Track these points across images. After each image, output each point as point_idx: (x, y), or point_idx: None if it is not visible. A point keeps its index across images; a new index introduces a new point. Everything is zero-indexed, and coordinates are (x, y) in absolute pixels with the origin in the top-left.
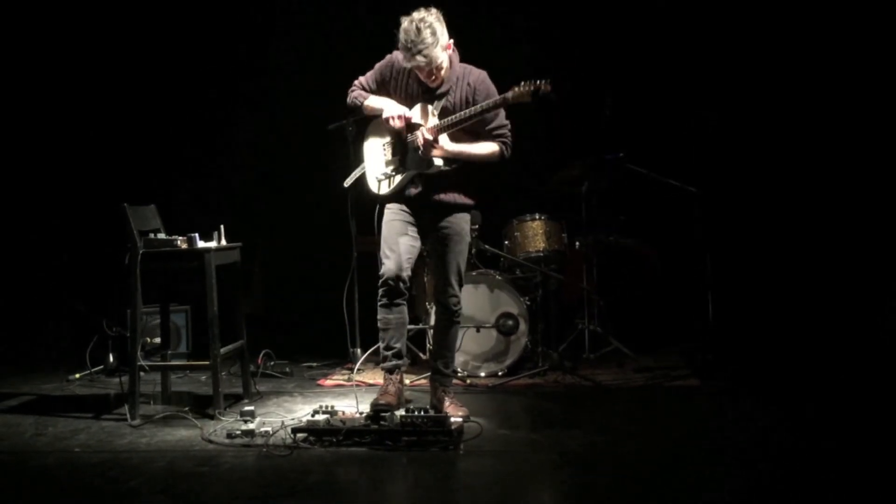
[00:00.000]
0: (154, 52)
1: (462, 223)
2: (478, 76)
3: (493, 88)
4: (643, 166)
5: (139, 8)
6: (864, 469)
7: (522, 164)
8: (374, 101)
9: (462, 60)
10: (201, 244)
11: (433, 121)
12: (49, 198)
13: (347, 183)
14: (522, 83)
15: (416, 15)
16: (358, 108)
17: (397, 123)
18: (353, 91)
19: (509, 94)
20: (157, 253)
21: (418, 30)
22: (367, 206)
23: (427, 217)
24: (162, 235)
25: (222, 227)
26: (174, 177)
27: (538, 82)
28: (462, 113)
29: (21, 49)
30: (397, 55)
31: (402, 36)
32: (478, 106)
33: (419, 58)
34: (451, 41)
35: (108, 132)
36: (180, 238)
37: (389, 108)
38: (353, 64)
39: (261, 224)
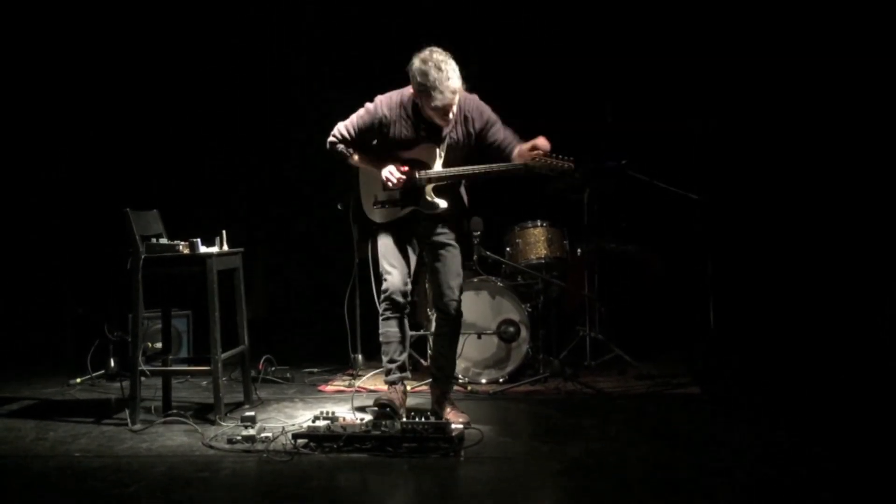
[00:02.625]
0: (157, 56)
1: (457, 228)
2: (469, 104)
3: (484, 108)
4: (644, 173)
5: (142, 11)
6: (866, 476)
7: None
8: (362, 161)
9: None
10: (203, 249)
11: (438, 164)
12: (51, 202)
13: (340, 207)
14: (546, 158)
15: (433, 56)
16: (342, 160)
17: (394, 183)
18: (336, 145)
19: (531, 162)
20: (159, 258)
21: (441, 69)
22: (360, 213)
23: (422, 225)
24: (164, 240)
25: (224, 232)
26: (176, 182)
27: (563, 162)
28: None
29: (25, 53)
30: (380, 105)
31: (427, 77)
32: (500, 165)
33: (448, 95)
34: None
35: (110, 136)
36: (182, 243)
37: (385, 170)
38: (358, 66)
39: (263, 229)
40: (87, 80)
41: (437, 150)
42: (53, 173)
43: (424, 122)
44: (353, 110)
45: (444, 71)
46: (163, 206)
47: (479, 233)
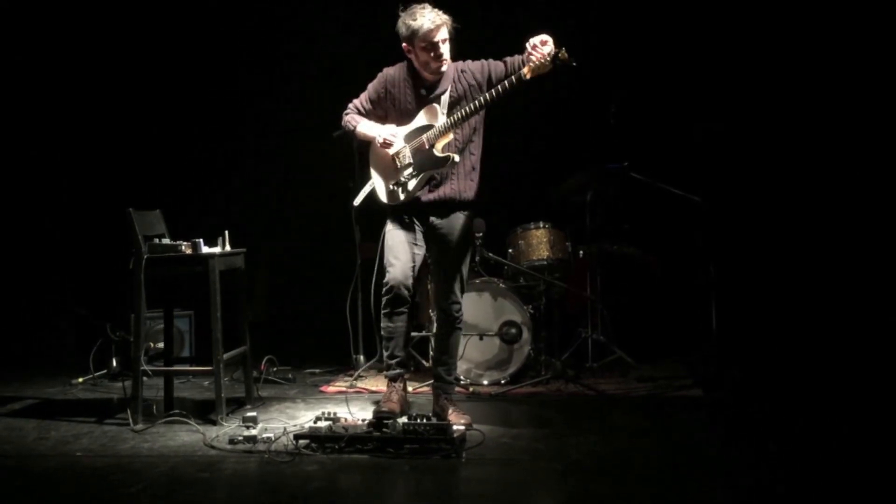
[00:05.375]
0: (161, 57)
1: (464, 226)
2: (465, 63)
3: (479, 61)
4: (647, 175)
5: (146, 13)
6: (869, 481)
7: (526, 173)
8: (364, 128)
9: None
10: (205, 249)
11: (442, 118)
12: (54, 202)
13: (357, 202)
14: (535, 54)
15: (417, 5)
16: (350, 133)
17: (384, 143)
18: (346, 114)
19: (525, 71)
20: (162, 258)
21: (424, 7)
22: (371, 213)
23: (429, 222)
24: (166, 240)
25: (226, 232)
26: (179, 182)
27: (555, 51)
28: (491, 93)
29: (29, 53)
30: (389, 71)
31: (412, 16)
32: (502, 83)
33: (435, 18)
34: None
35: (113, 136)
36: (184, 243)
37: (381, 131)
38: (360, 68)
39: (265, 230)
40: (90, 79)
41: (438, 107)
42: (56, 173)
43: (424, 84)
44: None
45: (426, 8)
46: (165, 207)
47: (481, 234)
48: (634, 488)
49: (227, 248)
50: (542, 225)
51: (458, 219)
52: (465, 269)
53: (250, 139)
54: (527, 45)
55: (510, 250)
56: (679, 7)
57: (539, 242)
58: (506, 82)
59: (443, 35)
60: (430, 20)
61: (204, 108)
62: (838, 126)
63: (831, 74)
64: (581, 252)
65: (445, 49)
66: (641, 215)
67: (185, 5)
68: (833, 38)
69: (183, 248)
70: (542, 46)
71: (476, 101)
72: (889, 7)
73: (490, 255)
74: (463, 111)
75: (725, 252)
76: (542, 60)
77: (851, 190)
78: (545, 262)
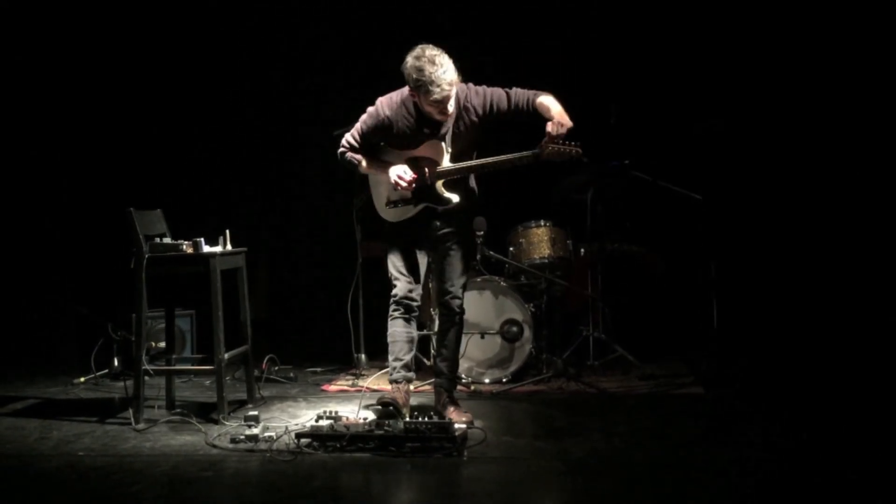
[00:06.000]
0: (161, 57)
1: (465, 226)
2: (467, 94)
3: (480, 91)
4: (648, 173)
5: (147, 12)
6: (871, 479)
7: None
8: (371, 167)
9: (466, 76)
10: (206, 249)
11: (446, 159)
12: (54, 202)
13: (357, 202)
14: (553, 146)
15: (426, 52)
16: (353, 168)
17: (404, 186)
18: (345, 153)
19: (539, 151)
20: (163, 257)
21: (435, 62)
22: (372, 212)
23: (430, 223)
24: (167, 240)
25: (228, 231)
26: (179, 182)
27: (571, 149)
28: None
29: (29, 53)
30: (382, 108)
31: (422, 73)
32: (508, 157)
33: (445, 87)
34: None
35: (113, 136)
36: (186, 243)
37: (391, 171)
38: (361, 68)
39: (266, 229)
40: (90, 79)
41: (443, 145)
42: (56, 173)
43: (426, 118)
44: (357, 109)
45: (439, 65)
46: (166, 206)
47: (482, 232)
48: (636, 486)
49: (228, 247)
50: (543, 223)
51: (459, 220)
52: (466, 267)
53: (251, 138)
54: (548, 128)
55: (511, 249)
56: (679, 5)
57: (540, 241)
58: (522, 157)
59: (446, 97)
60: (438, 91)
61: (204, 108)
62: (839, 123)
63: (832, 72)
64: (582, 250)
65: (451, 105)
66: (642, 213)
67: (185, 5)
68: (833, 35)
69: (184, 247)
70: (560, 129)
71: (486, 163)
72: (888, 6)
73: (491, 253)
74: (468, 165)
75: (726, 250)
76: (561, 154)
77: (852, 187)
78: (546, 261)
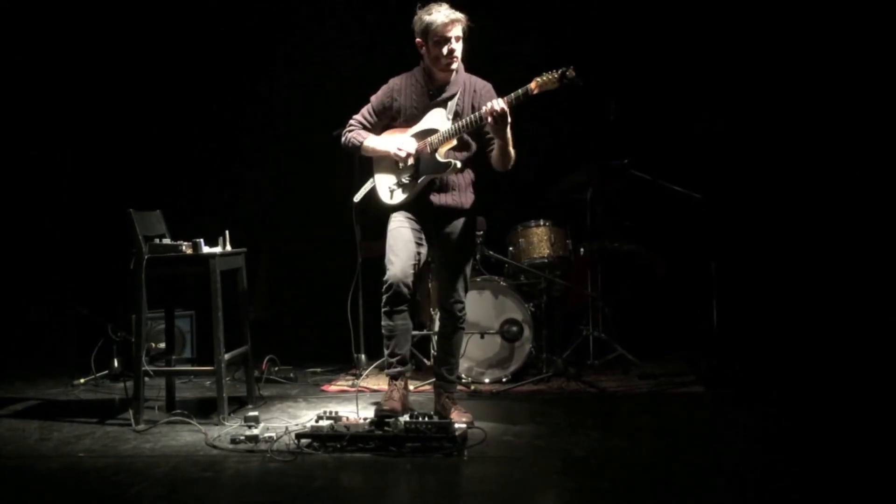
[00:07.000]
0: (161, 57)
1: (467, 228)
2: (483, 85)
3: (491, 87)
4: (648, 172)
5: (146, 13)
6: (870, 478)
7: (527, 171)
8: (372, 142)
9: (466, 70)
10: (206, 249)
11: (447, 124)
12: (54, 202)
13: (357, 198)
14: (545, 72)
15: (434, 3)
16: (356, 149)
17: (404, 156)
18: (350, 131)
19: (532, 86)
20: (162, 258)
21: (442, 5)
22: (372, 212)
23: (432, 223)
24: (167, 241)
25: (227, 232)
26: (179, 182)
27: (562, 69)
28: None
29: (30, 53)
30: (395, 81)
31: (429, 11)
32: (509, 97)
33: (449, 14)
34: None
35: (113, 136)
36: (185, 243)
37: (391, 144)
38: (360, 68)
39: (266, 229)
40: (90, 80)
41: (445, 113)
42: (56, 173)
43: (433, 85)
44: (357, 110)
45: (444, 5)
46: (166, 207)
47: (482, 232)
48: (636, 486)
49: (228, 247)
50: (542, 223)
51: (461, 222)
52: (468, 270)
53: (250, 139)
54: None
55: (511, 248)
56: (679, 4)
57: (540, 240)
58: (512, 96)
59: (456, 32)
60: (444, 16)
61: (204, 108)
62: (839, 123)
63: (832, 72)
64: (582, 249)
65: (458, 47)
66: (642, 212)
67: (185, 6)
68: (833, 35)
69: (184, 248)
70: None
71: (480, 113)
72: (888, 5)
73: (491, 253)
74: (468, 119)
75: (726, 249)
76: (550, 76)
77: (852, 187)
78: (546, 260)
